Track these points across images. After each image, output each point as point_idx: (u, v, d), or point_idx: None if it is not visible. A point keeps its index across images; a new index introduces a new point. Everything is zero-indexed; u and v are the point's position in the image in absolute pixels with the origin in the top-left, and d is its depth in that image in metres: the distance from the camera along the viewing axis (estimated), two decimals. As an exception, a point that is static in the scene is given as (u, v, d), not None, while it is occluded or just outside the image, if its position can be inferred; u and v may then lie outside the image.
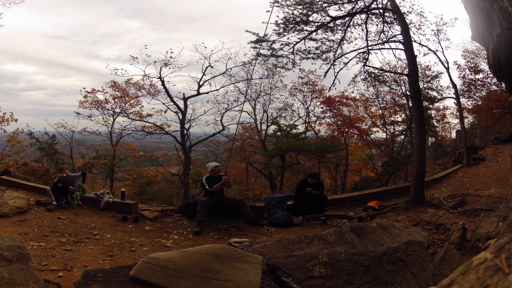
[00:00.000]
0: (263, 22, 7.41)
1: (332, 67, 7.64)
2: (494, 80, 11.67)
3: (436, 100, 13.41)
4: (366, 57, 7.63)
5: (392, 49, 7.79)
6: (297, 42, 7.45)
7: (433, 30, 11.10)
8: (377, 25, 7.74)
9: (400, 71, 11.99)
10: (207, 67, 12.18)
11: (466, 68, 14.02)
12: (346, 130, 14.63)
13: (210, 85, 13.51)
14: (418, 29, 8.36)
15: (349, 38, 7.75)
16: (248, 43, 7.53)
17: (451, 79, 11.76)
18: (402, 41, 6.85)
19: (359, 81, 8.24)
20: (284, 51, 7.59)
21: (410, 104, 11.41)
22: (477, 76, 13.95)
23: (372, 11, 7.52)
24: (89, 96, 13.63)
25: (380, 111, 14.33)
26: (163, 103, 13.03)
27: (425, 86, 12.70)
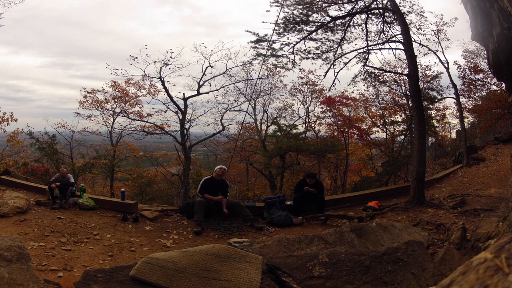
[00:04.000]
0: (263, 22, 7.44)
1: (332, 67, 7.64)
2: (494, 80, 11.65)
3: (436, 100, 13.38)
4: (366, 57, 7.63)
5: (392, 49, 7.79)
6: (297, 42, 7.46)
7: (433, 30, 11.08)
8: (377, 25, 7.75)
9: (400, 71, 11.97)
10: (207, 67, 12.18)
11: (466, 68, 14.00)
12: (346, 130, 14.61)
13: (210, 85, 13.47)
14: (418, 29, 8.33)
15: (349, 38, 7.75)
16: (248, 43, 7.54)
17: (451, 79, 11.76)
18: (402, 41, 6.85)
19: (359, 81, 8.22)
20: (284, 51, 7.60)
21: (410, 104, 11.39)
22: (477, 76, 13.93)
23: (372, 11, 7.51)
24: (89, 96, 13.62)
25: (380, 111, 14.30)
26: (163, 103, 13.02)
27: (425, 86, 12.66)
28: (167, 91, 12.39)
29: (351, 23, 7.55)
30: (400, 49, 7.20)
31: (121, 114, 13.89)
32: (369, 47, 7.60)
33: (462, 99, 13.31)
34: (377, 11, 7.53)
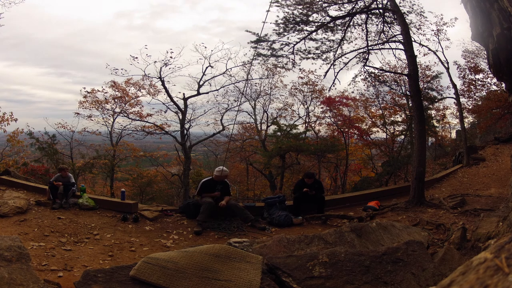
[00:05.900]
0: (263, 22, 7.43)
1: (332, 67, 7.64)
2: (494, 80, 11.65)
3: (436, 100, 13.38)
4: (366, 57, 7.63)
5: (392, 49, 7.79)
6: (297, 42, 7.46)
7: (433, 30, 11.08)
8: (377, 25, 7.75)
9: (400, 71, 11.96)
10: (207, 67, 12.20)
11: (466, 68, 13.99)
12: (346, 130, 14.61)
13: (210, 85, 13.50)
14: (418, 29, 8.33)
15: (349, 38, 7.75)
16: (248, 43, 7.54)
17: (451, 79, 11.75)
18: (402, 41, 6.85)
19: (359, 81, 8.30)
20: (284, 51, 7.60)
21: (410, 104, 11.39)
22: (477, 76, 13.93)
23: (372, 11, 7.52)
24: (89, 96, 13.62)
25: (380, 111, 14.31)
26: (163, 103, 13.04)
27: (425, 86, 12.66)
28: (167, 91, 12.42)
29: (351, 23, 7.55)
30: (400, 49, 7.20)
31: (121, 114, 13.91)
32: (369, 47, 7.60)
33: (462, 99, 13.32)
34: (377, 11, 7.53)
